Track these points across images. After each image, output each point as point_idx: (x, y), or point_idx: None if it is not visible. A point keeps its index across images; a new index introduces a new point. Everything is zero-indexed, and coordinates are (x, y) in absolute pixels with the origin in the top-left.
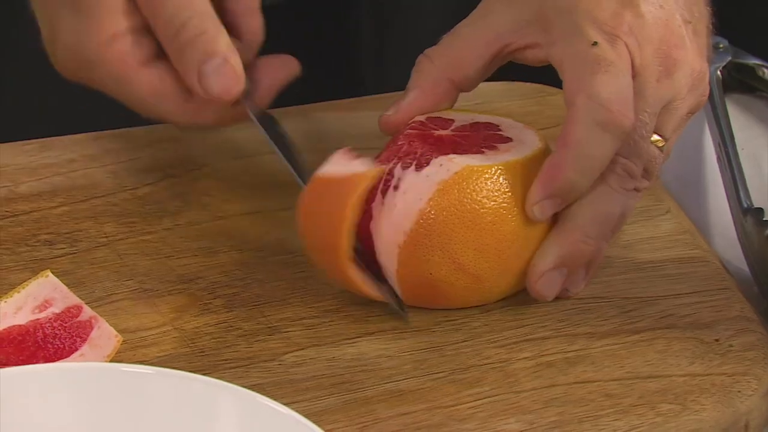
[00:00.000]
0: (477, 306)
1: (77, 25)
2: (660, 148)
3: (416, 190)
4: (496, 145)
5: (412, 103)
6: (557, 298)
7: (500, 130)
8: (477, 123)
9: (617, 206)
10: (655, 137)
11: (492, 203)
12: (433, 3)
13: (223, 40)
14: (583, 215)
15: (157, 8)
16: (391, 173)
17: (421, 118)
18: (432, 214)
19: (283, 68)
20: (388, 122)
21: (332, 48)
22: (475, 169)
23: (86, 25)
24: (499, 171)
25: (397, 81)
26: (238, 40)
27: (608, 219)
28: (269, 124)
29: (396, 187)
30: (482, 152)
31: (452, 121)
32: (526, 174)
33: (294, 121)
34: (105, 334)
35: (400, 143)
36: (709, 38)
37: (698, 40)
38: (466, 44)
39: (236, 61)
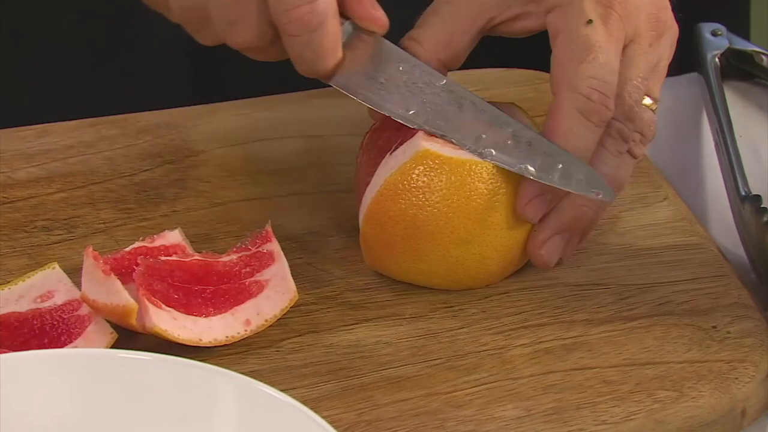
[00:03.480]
0: (471, 291)
1: None
2: (653, 111)
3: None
4: None
5: None
6: (553, 285)
7: None
8: None
9: (614, 169)
10: (648, 101)
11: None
12: None
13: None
14: None
15: None
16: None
17: None
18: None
19: None
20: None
21: None
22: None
23: None
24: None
25: None
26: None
27: (608, 182)
28: None
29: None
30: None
31: None
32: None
33: (285, 109)
34: (101, 330)
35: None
36: None
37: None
38: (451, 22)
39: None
